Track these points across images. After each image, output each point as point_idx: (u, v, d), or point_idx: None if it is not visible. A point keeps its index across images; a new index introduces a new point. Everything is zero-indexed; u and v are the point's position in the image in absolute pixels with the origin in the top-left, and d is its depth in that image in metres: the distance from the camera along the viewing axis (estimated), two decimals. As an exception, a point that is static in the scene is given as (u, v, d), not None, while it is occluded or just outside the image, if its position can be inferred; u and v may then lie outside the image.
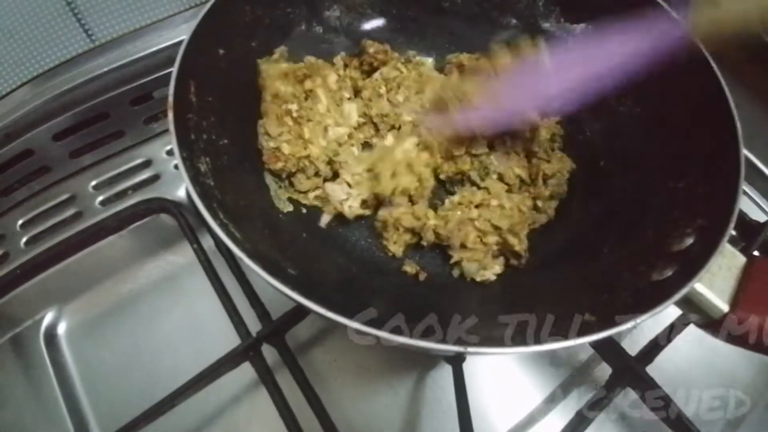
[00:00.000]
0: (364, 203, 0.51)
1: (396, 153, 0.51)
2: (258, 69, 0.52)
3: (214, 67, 0.48)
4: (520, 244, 0.48)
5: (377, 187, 0.50)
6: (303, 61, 0.56)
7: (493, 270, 0.49)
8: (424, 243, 0.50)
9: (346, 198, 0.51)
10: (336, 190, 0.51)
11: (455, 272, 0.50)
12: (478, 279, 0.49)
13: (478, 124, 0.51)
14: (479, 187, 0.53)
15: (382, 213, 0.50)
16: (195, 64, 0.44)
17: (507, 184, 0.53)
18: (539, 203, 0.53)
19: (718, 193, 0.42)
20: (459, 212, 0.49)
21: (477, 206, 0.50)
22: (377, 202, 0.51)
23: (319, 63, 0.56)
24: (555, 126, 0.57)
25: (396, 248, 0.50)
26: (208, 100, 0.46)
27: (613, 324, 0.35)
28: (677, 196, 0.46)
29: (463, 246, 0.48)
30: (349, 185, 0.52)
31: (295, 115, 0.53)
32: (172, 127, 0.40)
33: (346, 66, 0.60)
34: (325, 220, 0.52)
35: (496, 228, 0.49)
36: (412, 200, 0.51)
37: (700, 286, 0.38)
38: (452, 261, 0.49)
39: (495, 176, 0.53)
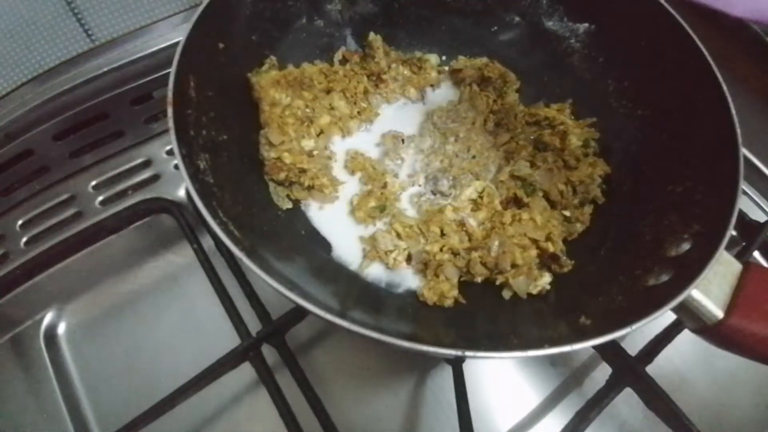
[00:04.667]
0: (409, 259, 0.49)
1: (446, 211, 0.50)
2: (250, 83, 0.51)
3: (214, 62, 0.48)
4: (554, 246, 0.48)
5: (425, 245, 0.49)
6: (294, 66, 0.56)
7: (544, 279, 0.48)
8: (478, 280, 0.48)
9: (393, 249, 0.49)
10: (384, 238, 0.49)
11: (506, 294, 0.48)
12: (534, 292, 0.47)
13: None
14: (521, 205, 0.52)
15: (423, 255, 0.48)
16: (195, 59, 0.44)
17: (552, 200, 0.52)
18: (567, 213, 0.52)
19: (717, 198, 0.42)
20: (496, 236, 0.48)
21: (510, 224, 0.49)
22: (423, 266, 0.49)
23: (312, 69, 0.56)
24: (588, 131, 0.55)
25: (431, 295, 0.47)
26: (208, 95, 0.46)
27: (609, 331, 0.35)
28: (675, 200, 0.46)
29: (513, 265, 0.47)
30: (399, 236, 0.50)
31: (300, 114, 0.53)
32: (171, 123, 0.39)
33: (346, 60, 0.60)
34: (365, 265, 0.49)
35: (534, 241, 0.48)
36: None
37: (695, 292, 0.38)
38: (498, 283, 0.48)
39: (540, 193, 0.52)
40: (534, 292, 0.47)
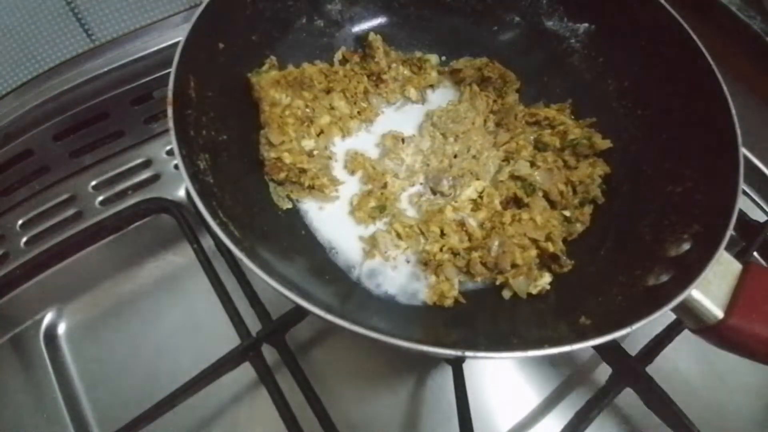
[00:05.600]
0: (409, 261, 0.49)
1: (446, 211, 0.50)
2: (250, 83, 0.51)
3: (214, 62, 0.48)
4: (554, 246, 0.48)
5: (425, 245, 0.49)
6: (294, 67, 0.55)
7: (544, 279, 0.48)
8: (478, 280, 0.48)
9: (393, 249, 0.49)
10: (384, 238, 0.49)
11: (506, 294, 0.48)
12: (534, 292, 0.47)
13: None
14: (521, 205, 0.52)
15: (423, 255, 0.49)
16: (195, 59, 0.44)
17: (551, 200, 0.52)
18: (567, 213, 0.52)
19: (717, 199, 0.42)
20: (496, 236, 0.48)
21: (510, 224, 0.49)
22: (423, 266, 0.49)
23: (312, 69, 0.56)
24: (588, 131, 0.55)
25: (431, 295, 0.47)
26: (207, 96, 0.46)
27: (609, 331, 0.35)
28: (675, 200, 0.46)
29: (513, 265, 0.47)
30: (399, 236, 0.50)
31: (300, 114, 0.53)
32: (171, 123, 0.40)
33: (346, 60, 0.60)
34: (366, 265, 0.49)
35: (534, 241, 0.48)
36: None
37: (695, 292, 0.38)
38: (498, 283, 0.48)
39: (540, 193, 0.52)
40: (534, 292, 0.47)
